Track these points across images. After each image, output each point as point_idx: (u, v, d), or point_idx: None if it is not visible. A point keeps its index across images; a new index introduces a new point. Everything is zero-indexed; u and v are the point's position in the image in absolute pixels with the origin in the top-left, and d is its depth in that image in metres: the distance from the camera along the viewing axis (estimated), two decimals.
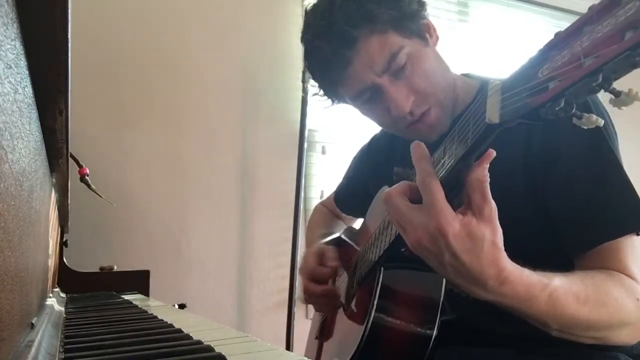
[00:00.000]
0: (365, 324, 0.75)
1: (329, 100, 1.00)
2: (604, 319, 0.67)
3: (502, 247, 0.59)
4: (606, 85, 0.39)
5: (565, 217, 0.79)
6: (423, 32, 0.90)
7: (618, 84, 0.39)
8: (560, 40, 0.43)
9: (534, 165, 0.81)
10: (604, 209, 0.77)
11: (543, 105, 0.43)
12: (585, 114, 0.42)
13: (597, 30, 0.38)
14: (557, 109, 0.42)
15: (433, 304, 0.75)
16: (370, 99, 0.90)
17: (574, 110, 0.42)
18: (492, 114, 0.50)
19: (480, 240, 0.57)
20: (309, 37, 0.93)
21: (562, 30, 0.43)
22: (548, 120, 0.44)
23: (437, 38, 0.94)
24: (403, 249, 0.76)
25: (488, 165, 0.57)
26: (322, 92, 0.99)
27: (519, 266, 0.61)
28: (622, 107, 0.40)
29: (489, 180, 0.57)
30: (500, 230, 0.58)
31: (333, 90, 0.96)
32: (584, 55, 0.39)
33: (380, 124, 0.97)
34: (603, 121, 0.42)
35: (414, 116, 0.88)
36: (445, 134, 0.92)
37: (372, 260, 0.83)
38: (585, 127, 0.43)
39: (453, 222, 0.57)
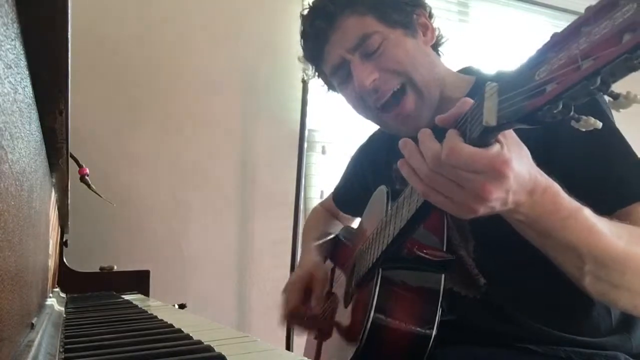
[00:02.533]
0: (364, 325, 0.75)
1: (325, 86, 1.06)
2: (639, 258, 0.65)
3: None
4: (604, 88, 0.38)
5: (576, 187, 0.77)
6: (411, 26, 0.93)
7: (617, 86, 0.39)
8: (557, 42, 0.42)
9: (534, 141, 0.81)
10: (616, 175, 0.76)
11: (540, 108, 0.43)
12: (584, 117, 0.42)
13: (595, 32, 0.38)
14: (555, 111, 0.42)
15: (432, 303, 0.74)
16: (344, 79, 0.96)
17: (572, 113, 0.42)
18: (490, 117, 0.49)
19: (526, 156, 0.58)
20: (301, 16, 1.02)
21: (559, 31, 0.43)
22: (546, 123, 0.43)
23: (433, 38, 0.96)
24: (404, 249, 0.76)
25: None
26: (316, 74, 1.05)
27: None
28: (620, 110, 0.40)
29: None
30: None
31: (318, 67, 1.02)
32: (582, 57, 0.39)
33: (355, 109, 1.00)
34: (601, 124, 0.42)
35: (378, 94, 0.91)
36: (434, 130, 0.93)
37: (370, 260, 0.83)
38: (584, 130, 0.42)
39: (505, 158, 0.54)
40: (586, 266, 0.63)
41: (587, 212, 0.62)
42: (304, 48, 1.03)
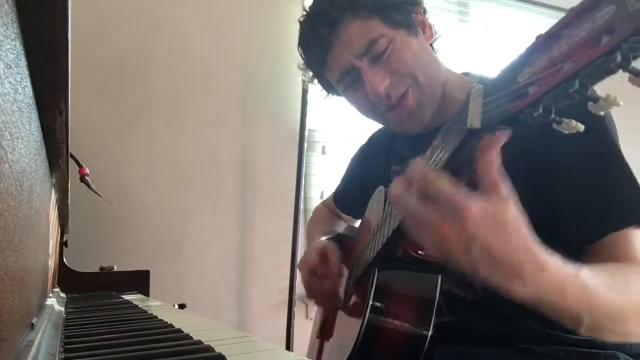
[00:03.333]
0: (360, 325, 0.75)
1: (325, 91, 1.04)
2: (632, 308, 0.64)
3: (530, 229, 0.54)
4: (583, 91, 0.38)
5: (570, 208, 0.78)
6: (412, 25, 0.92)
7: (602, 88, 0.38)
8: (541, 44, 0.42)
9: (532, 155, 0.81)
10: (611, 197, 0.76)
11: (522, 110, 0.42)
12: (565, 119, 0.41)
13: (575, 33, 0.38)
14: (535, 114, 0.41)
15: (428, 304, 0.74)
16: (352, 85, 0.94)
17: (553, 116, 0.41)
18: (474, 119, 0.49)
19: (506, 222, 0.52)
20: (300, 22, 0.98)
21: (543, 32, 0.42)
22: (528, 125, 0.43)
23: (432, 36, 0.97)
24: (398, 250, 0.76)
25: (498, 148, 0.52)
26: (316, 80, 1.03)
27: (549, 251, 0.56)
28: (601, 113, 0.39)
29: (500, 162, 0.52)
30: (521, 211, 0.53)
31: (321, 74, 1.00)
32: (561, 59, 0.38)
33: (362, 111, 0.98)
34: (583, 127, 0.41)
35: (391, 99, 0.90)
36: (435, 130, 0.93)
37: (367, 260, 0.83)
38: (566, 132, 0.42)
39: (469, 202, 0.51)
40: (582, 325, 0.63)
41: (583, 275, 0.59)
42: (305, 55, 1.00)
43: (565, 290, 0.57)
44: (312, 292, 1.01)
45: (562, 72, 0.38)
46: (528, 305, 0.57)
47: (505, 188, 0.52)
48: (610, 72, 0.36)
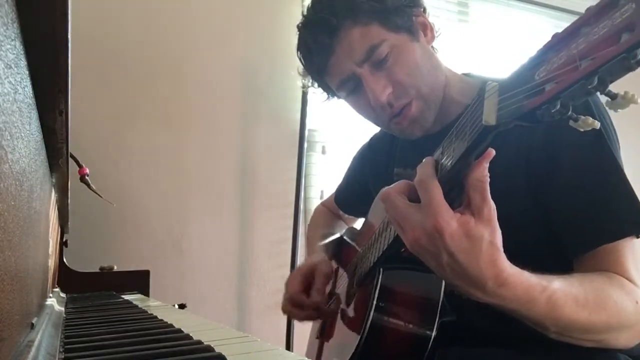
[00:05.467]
0: (363, 325, 0.75)
1: (325, 94, 1.03)
2: (602, 322, 0.67)
3: (502, 248, 0.58)
4: (602, 88, 0.38)
5: (566, 218, 0.79)
6: (413, 28, 0.91)
7: (616, 86, 0.39)
8: (558, 42, 0.43)
9: (535, 164, 0.81)
10: (605, 210, 0.76)
11: (539, 107, 0.43)
12: (582, 117, 0.42)
13: (594, 32, 0.38)
14: (553, 111, 0.42)
15: (432, 304, 0.74)
16: (353, 91, 0.93)
17: (570, 113, 0.42)
18: (489, 116, 0.49)
19: (479, 241, 0.56)
20: (299, 27, 0.97)
21: (560, 31, 0.43)
22: (544, 122, 0.43)
23: (433, 37, 0.96)
24: (403, 250, 0.77)
25: (488, 165, 0.56)
26: (316, 84, 1.02)
27: (518, 268, 0.60)
28: (619, 110, 0.40)
29: (488, 180, 0.56)
30: (499, 231, 0.58)
31: (321, 80, 0.99)
32: (580, 57, 0.39)
33: (365, 117, 0.98)
34: (599, 124, 0.42)
35: (393, 109, 0.90)
36: (436, 133, 0.93)
37: (371, 260, 0.83)
38: (582, 130, 0.42)
39: (450, 221, 0.56)
40: (549, 332, 0.67)
41: (553, 290, 0.63)
42: (305, 62, 0.98)
43: (530, 302, 0.61)
44: (290, 316, 1.05)
45: (581, 70, 0.39)
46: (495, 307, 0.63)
47: (487, 209, 0.56)
48: (630, 69, 0.36)
